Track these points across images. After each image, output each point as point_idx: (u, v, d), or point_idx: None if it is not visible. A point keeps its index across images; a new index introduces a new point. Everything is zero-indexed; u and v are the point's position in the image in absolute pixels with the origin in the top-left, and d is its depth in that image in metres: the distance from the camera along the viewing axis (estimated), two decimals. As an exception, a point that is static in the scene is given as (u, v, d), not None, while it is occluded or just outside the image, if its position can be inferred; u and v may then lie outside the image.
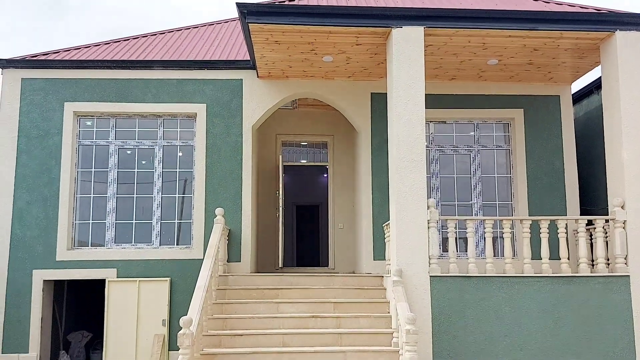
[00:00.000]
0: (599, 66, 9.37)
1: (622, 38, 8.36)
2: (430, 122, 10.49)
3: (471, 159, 10.49)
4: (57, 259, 9.46)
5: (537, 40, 8.62)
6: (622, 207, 8.06)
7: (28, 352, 9.22)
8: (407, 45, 8.19)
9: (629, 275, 7.91)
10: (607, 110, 8.53)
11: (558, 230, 8.21)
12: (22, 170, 9.64)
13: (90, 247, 9.73)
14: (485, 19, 8.20)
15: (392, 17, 8.17)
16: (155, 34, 11.53)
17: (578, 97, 11.50)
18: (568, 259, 8.24)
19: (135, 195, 9.91)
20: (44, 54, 10.18)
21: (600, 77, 10.30)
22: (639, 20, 8.36)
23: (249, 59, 10.08)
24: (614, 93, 8.39)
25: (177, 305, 9.42)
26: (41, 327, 9.35)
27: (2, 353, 9.18)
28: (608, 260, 8.32)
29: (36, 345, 9.25)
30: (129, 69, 9.95)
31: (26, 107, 9.79)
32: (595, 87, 10.92)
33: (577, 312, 7.84)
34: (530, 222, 8.29)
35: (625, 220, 8.02)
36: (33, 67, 9.88)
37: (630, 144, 8.15)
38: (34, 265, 9.43)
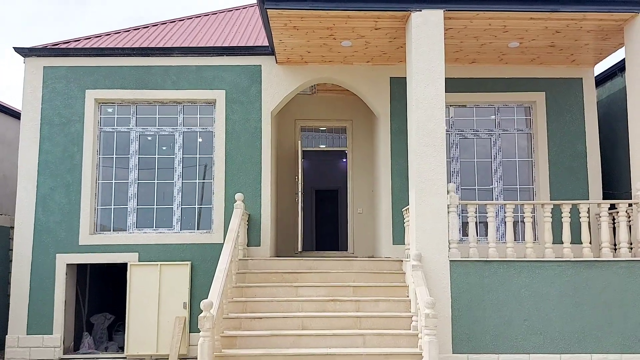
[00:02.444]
0: (623, 48, 9.20)
1: (647, 19, 8.20)
2: (450, 106, 10.42)
3: (492, 143, 10.40)
4: (80, 244, 9.63)
5: (559, 22, 8.49)
6: (646, 191, 7.95)
7: (52, 334, 9.44)
8: (426, 29, 8.11)
9: (652, 260, 7.81)
10: (631, 92, 8.39)
11: (580, 215, 8.10)
12: (45, 157, 9.81)
13: (112, 231, 9.88)
14: (506, 1, 8.09)
15: (411, 0, 8.09)
16: (174, 21, 11.60)
17: (601, 80, 11.30)
18: (590, 243, 8.13)
19: (156, 181, 10.02)
20: (65, 42, 10.30)
21: (624, 58, 10.11)
22: (664, 1, 8.18)
23: (267, 44, 10.09)
24: (637, 75, 8.24)
25: (198, 289, 9.54)
26: (65, 309, 9.56)
27: (27, 334, 9.41)
28: (631, 244, 8.23)
29: (60, 327, 9.47)
30: (149, 56, 10.04)
31: (48, 95, 9.94)
32: (619, 69, 10.72)
33: (599, 296, 7.76)
34: (552, 207, 8.21)
35: (649, 204, 7.91)
36: (54, 55, 10.01)
37: (654, 126, 8.01)
38: (58, 249, 9.61)
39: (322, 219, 16.10)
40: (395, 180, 9.99)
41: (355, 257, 10.80)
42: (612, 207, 9.88)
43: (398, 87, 10.15)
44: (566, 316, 7.72)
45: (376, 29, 8.74)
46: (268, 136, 9.93)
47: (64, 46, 10.14)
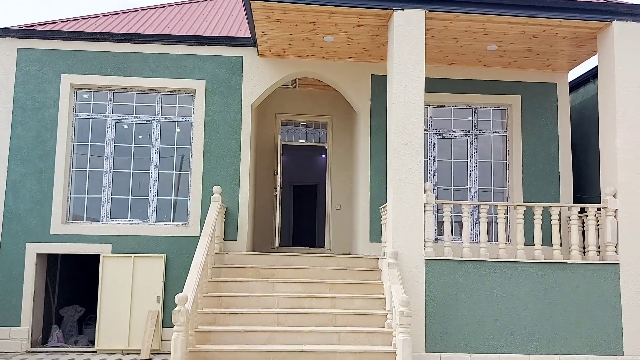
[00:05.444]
0: (596, 55, 9.44)
1: (619, 28, 8.43)
2: (429, 105, 10.52)
3: (468, 144, 10.56)
4: (51, 233, 9.40)
5: (536, 27, 8.67)
6: (614, 196, 8.19)
7: (20, 326, 9.18)
8: (408, 28, 8.19)
9: (618, 264, 8.06)
10: (603, 99, 8.62)
11: (551, 217, 8.32)
12: (16, 142, 9.54)
13: (85, 221, 9.67)
14: (486, 4, 8.22)
15: (394, -1, 8.16)
16: (155, 8, 11.38)
17: (574, 86, 11.58)
18: (560, 245, 8.36)
19: (131, 171, 9.84)
20: (41, 24, 10.00)
21: (597, 66, 10.36)
22: (636, 11, 8.44)
23: (249, 36, 10.00)
24: (609, 82, 8.47)
25: (172, 282, 9.43)
26: (34, 301, 9.31)
27: None
28: (599, 248, 8.47)
29: (28, 319, 9.21)
30: (128, 42, 9.83)
31: (22, 78, 9.65)
32: (592, 75, 11.01)
33: (567, 298, 8.00)
34: (525, 208, 8.40)
35: (616, 209, 8.15)
36: (30, 37, 9.71)
37: (624, 133, 8.25)
38: (28, 238, 9.37)
39: (299, 215, 16.10)
40: (373, 178, 10.05)
41: (332, 253, 10.84)
42: (582, 210, 10.17)
43: (379, 85, 10.20)
44: (536, 317, 7.93)
45: (359, 26, 8.75)
46: (248, 129, 9.85)
47: (39, 28, 9.84)
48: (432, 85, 10.32)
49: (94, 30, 9.89)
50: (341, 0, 8.06)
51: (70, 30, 9.83)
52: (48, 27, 9.93)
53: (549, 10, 8.29)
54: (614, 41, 8.40)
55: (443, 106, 10.60)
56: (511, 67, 10.42)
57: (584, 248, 9.02)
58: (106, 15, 10.74)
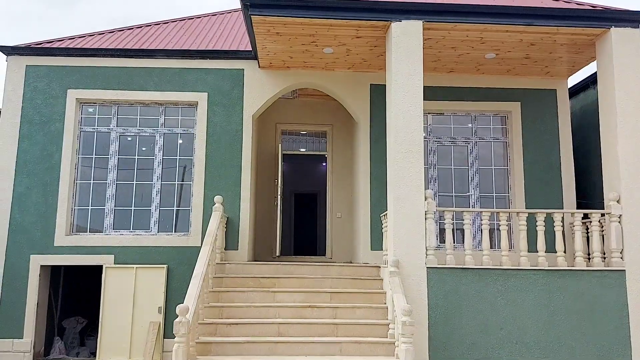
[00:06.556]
0: (595, 61, 9.43)
1: (617, 34, 8.43)
2: (429, 113, 10.55)
3: (468, 151, 10.55)
4: (55, 245, 9.49)
5: (534, 35, 8.69)
6: (618, 202, 8.10)
7: (22, 338, 9.23)
8: (406, 39, 8.25)
9: (624, 270, 7.94)
10: (603, 105, 8.59)
11: (554, 224, 8.25)
12: (23, 156, 9.69)
13: (88, 233, 9.76)
14: (483, 14, 8.27)
15: (391, 11, 8.23)
16: (159, 24, 11.58)
17: (574, 91, 11.55)
18: (564, 252, 8.28)
19: (134, 182, 9.95)
20: (48, 42, 10.23)
21: (596, 71, 10.35)
22: (634, 17, 8.44)
23: (250, 49, 10.13)
24: (609, 88, 8.45)
25: (174, 293, 9.46)
26: (36, 312, 9.36)
27: None
28: (604, 254, 8.37)
29: (31, 331, 9.26)
30: (132, 57, 10.01)
31: (29, 94, 9.85)
32: (592, 81, 10.98)
33: (573, 305, 7.89)
34: (527, 215, 8.34)
35: (620, 215, 8.06)
36: (37, 55, 9.95)
37: (625, 138, 8.21)
38: (32, 250, 9.46)
39: (300, 223, 16.08)
40: (374, 186, 10.05)
41: (334, 262, 10.81)
42: (586, 216, 10.09)
43: (378, 94, 10.26)
44: (541, 325, 7.82)
45: (357, 38, 8.83)
46: (249, 139, 9.93)
47: (47, 45, 10.07)
48: (431, 93, 10.36)
49: (100, 47, 10.09)
50: (340, 13, 8.17)
51: (76, 47, 10.04)
52: (55, 45, 10.16)
53: (546, 18, 8.32)
54: (612, 47, 8.41)
55: (442, 114, 10.62)
56: (510, 74, 10.44)
57: (588, 254, 8.92)
58: (111, 32, 10.94)
